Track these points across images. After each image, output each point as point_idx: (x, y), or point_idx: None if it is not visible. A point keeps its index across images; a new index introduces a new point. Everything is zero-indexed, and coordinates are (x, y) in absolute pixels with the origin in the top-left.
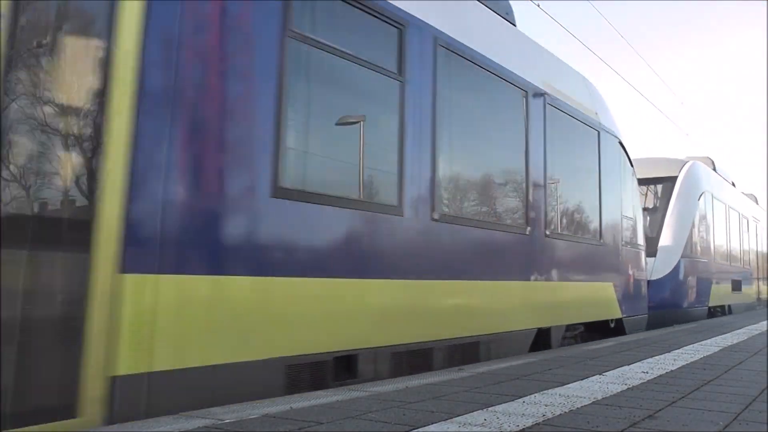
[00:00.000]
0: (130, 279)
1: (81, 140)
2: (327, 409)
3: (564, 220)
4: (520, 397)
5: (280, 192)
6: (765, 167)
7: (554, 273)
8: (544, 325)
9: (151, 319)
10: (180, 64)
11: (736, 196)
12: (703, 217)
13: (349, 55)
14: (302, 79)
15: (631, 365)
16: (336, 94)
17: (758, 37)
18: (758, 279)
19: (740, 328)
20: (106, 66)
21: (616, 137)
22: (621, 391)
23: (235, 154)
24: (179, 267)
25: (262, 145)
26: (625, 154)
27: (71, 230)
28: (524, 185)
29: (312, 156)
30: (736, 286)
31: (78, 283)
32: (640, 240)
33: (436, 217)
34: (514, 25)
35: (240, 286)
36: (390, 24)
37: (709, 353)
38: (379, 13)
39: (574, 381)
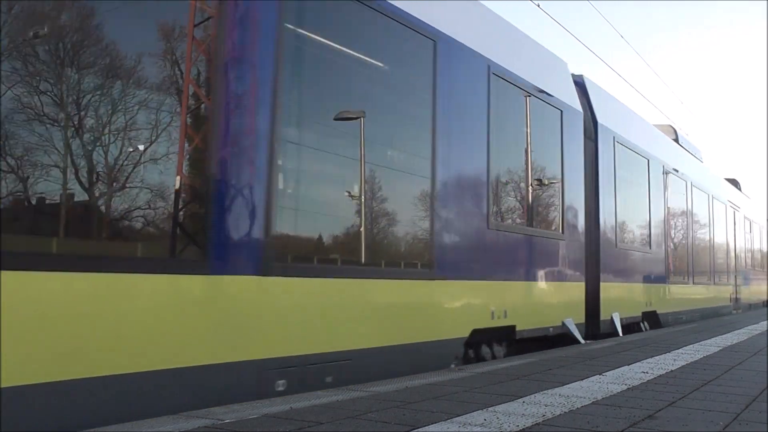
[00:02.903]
0: None
1: None
2: (327, 409)
3: None
4: (520, 397)
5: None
6: (766, 164)
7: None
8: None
9: None
10: None
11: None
12: None
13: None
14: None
15: (631, 365)
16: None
17: (758, 36)
18: None
19: (740, 328)
20: None
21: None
22: (621, 391)
23: None
24: None
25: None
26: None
27: None
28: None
29: None
30: None
31: None
32: None
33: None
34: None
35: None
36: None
37: (709, 353)
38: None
39: (574, 381)
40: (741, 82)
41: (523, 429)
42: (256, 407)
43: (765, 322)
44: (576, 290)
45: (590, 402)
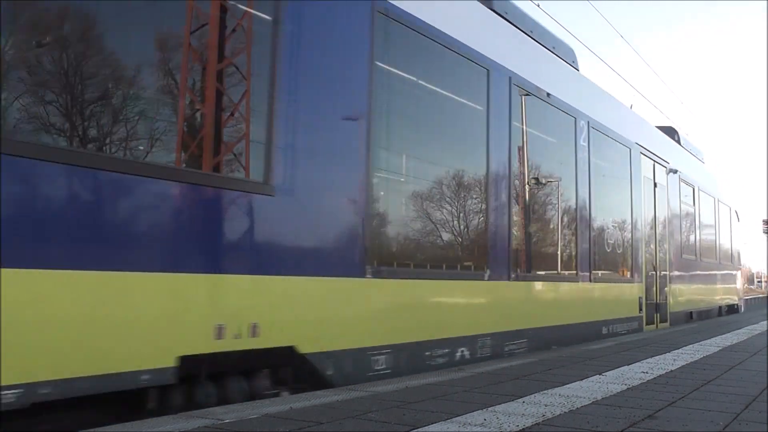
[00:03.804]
0: None
1: None
2: (327, 409)
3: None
4: (520, 397)
5: None
6: (765, 162)
7: None
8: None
9: None
10: None
11: None
12: None
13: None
14: None
15: (631, 365)
16: None
17: (758, 35)
18: None
19: (740, 328)
20: None
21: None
22: (621, 391)
23: None
24: None
25: None
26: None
27: None
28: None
29: None
30: None
31: None
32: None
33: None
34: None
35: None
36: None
37: (709, 353)
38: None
39: (574, 381)
40: (741, 81)
41: (523, 429)
42: (256, 407)
43: (765, 322)
44: None
45: (590, 402)
